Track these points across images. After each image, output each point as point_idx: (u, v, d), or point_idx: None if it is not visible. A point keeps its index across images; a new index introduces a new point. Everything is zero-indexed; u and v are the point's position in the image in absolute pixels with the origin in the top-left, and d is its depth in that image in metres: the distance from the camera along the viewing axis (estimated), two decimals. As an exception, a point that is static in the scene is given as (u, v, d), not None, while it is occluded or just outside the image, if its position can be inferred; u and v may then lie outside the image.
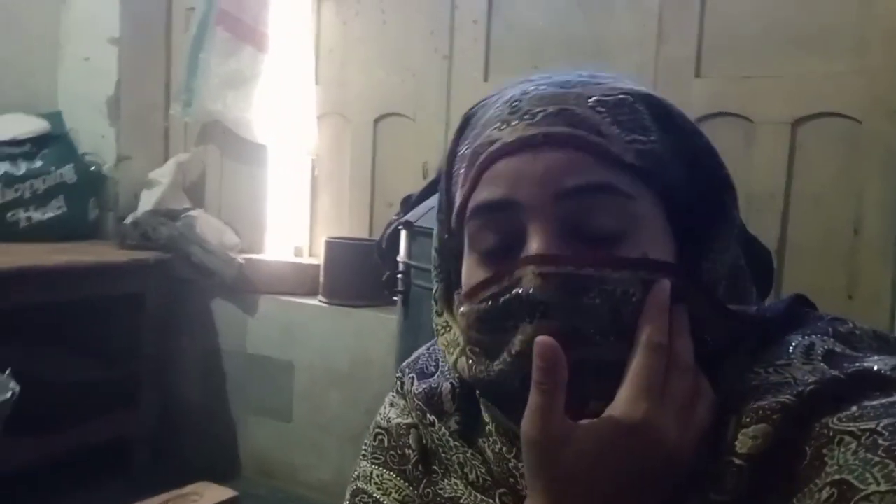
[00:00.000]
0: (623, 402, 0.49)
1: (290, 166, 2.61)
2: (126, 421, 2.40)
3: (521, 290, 0.50)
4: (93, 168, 2.64)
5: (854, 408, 0.46)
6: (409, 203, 1.68)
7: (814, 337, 0.52)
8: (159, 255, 2.40)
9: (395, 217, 1.66)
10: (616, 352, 0.50)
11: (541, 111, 0.53)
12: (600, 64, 0.59)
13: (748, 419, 0.48)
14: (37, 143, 2.49)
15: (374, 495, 0.65)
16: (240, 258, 2.45)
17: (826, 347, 0.51)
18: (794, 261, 1.81)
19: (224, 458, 2.48)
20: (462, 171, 0.57)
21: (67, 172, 2.52)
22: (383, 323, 2.09)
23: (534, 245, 0.51)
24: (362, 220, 2.46)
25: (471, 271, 0.56)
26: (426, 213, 1.54)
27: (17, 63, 2.66)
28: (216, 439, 2.52)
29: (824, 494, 0.44)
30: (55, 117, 2.62)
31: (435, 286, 0.62)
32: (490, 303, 0.52)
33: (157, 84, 2.80)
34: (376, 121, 2.42)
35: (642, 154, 0.53)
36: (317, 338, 2.32)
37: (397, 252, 1.64)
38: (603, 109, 0.53)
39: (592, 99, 0.53)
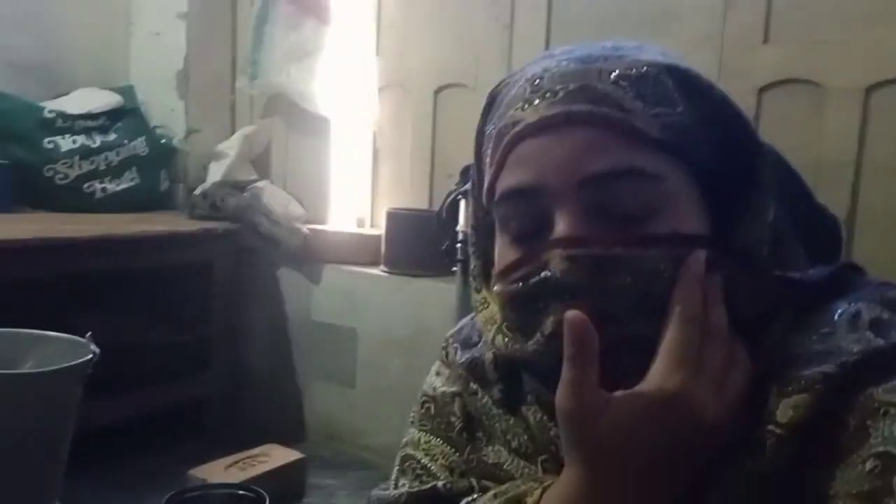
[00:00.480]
0: (657, 375, 0.49)
1: (353, 138, 2.64)
2: (198, 384, 2.48)
3: (549, 274, 0.51)
4: (163, 141, 2.71)
5: None
6: (468, 173, 1.69)
7: (860, 304, 0.51)
8: (227, 225, 2.46)
9: (454, 187, 1.67)
10: (650, 328, 0.50)
11: (562, 88, 0.52)
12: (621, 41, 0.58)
13: (790, 388, 0.48)
14: (111, 117, 2.57)
15: (422, 461, 0.66)
16: (304, 228, 2.51)
17: (873, 315, 0.50)
18: (864, 232, 1.75)
19: (291, 422, 2.56)
20: (489, 151, 0.57)
21: (140, 145, 2.60)
22: (442, 292, 2.12)
23: (560, 227, 0.52)
24: (422, 190, 2.48)
25: (502, 252, 0.57)
26: (485, 184, 1.55)
27: (92, 39, 2.75)
28: (283, 403, 2.60)
29: (868, 466, 0.44)
30: (128, 91, 2.70)
31: (473, 263, 0.63)
32: (521, 284, 0.53)
33: (224, 58, 2.86)
34: (436, 92, 2.43)
35: (668, 127, 0.52)
36: (379, 306, 2.37)
37: (456, 222, 1.66)
38: (626, 84, 0.52)
39: (615, 73, 0.53)
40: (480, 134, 0.60)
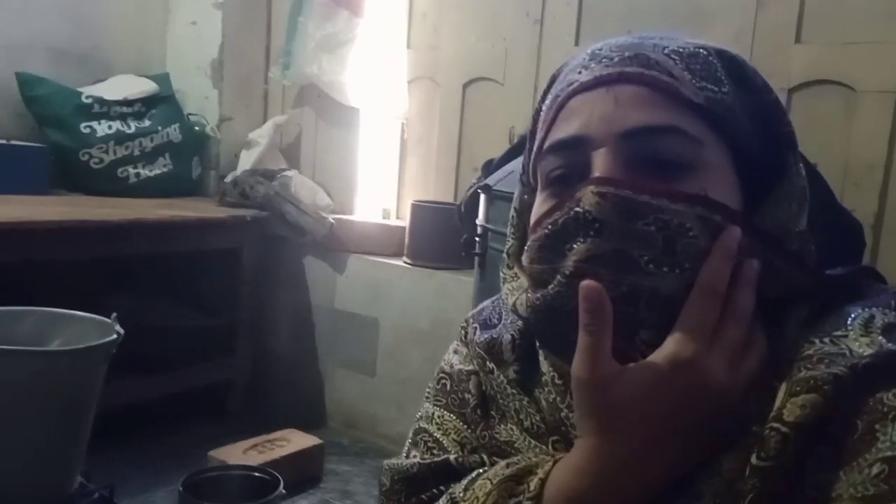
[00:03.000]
0: (672, 342, 0.50)
1: (381, 130, 2.66)
2: (223, 368, 2.52)
3: (578, 209, 0.52)
4: (197, 128, 2.76)
5: None
6: (490, 167, 1.70)
7: (874, 309, 0.51)
8: (256, 212, 2.49)
9: (475, 181, 1.68)
10: (667, 284, 0.51)
11: (617, 55, 0.55)
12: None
13: (798, 388, 0.47)
14: (146, 104, 2.62)
15: (435, 434, 0.68)
16: (331, 218, 2.53)
17: (887, 320, 0.50)
18: (891, 237, 1.72)
19: (311, 408, 2.60)
20: (543, 118, 0.59)
21: (173, 132, 2.65)
22: (462, 285, 2.13)
23: (596, 171, 0.53)
24: (448, 183, 2.49)
25: (539, 207, 0.58)
26: (505, 178, 1.56)
27: (130, 27, 2.80)
28: (305, 389, 2.63)
29: (874, 470, 0.43)
30: (163, 79, 2.74)
31: (509, 243, 0.64)
32: (550, 227, 0.54)
33: (259, 48, 2.89)
34: (465, 85, 2.44)
35: (713, 101, 0.54)
36: (401, 297, 2.39)
37: (476, 215, 1.66)
38: (677, 58, 0.55)
39: (668, 49, 0.55)
40: (537, 113, 0.61)
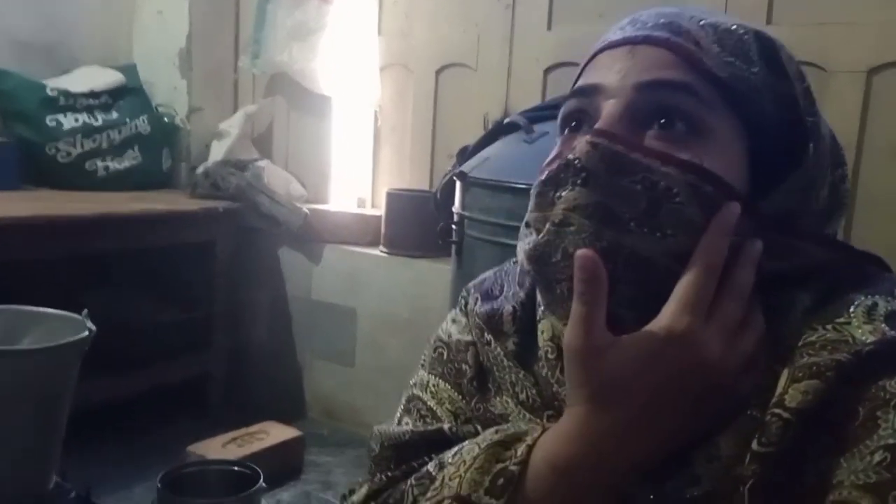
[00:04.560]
0: (666, 315, 0.50)
1: (354, 118, 2.64)
2: (199, 362, 2.50)
3: (570, 156, 0.52)
4: (166, 119, 2.72)
5: None
6: (465, 154, 1.69)
7: (877, 297, 0.51)
8: (229, 204, 2.46)
9: (450, 168, 1.67)
10: (647, 246, 0.51)
11: (652, 21, 0.57)
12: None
13: (801, 374, 0.48)
14: (113, 95, 2.57)
15: (428, 403, 0.67)
16: (305, 208, 2.51)
17: (890, 308, 0.50)
18: (864, 215, 1.74)
19: (290, 400, 2.58)
20: (576, 74, 0.61)
21: (142, 124, 2.60)
22: (440, 273, 2.13)
23: (600, 122, 0.54)
24: (423, 171, 2.48)
25: (549, 154, 0.59)
26: (480, 164, 1.55)
27: (95, 17, 2.74)
28: (283, 381, 2.62)
29: (876, 458, 0.44)
30: (130, 70, 2.69)
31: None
32: (546, 173, 0.55)
33: (227, 37, 2.85)
34: (438, 72, 2.42)
35: (737, 77, 0.54)
36: (378, 286, 2.38)
37: (452, 203, 1.65)
38: (711, 30, 0.55)
39: (704, 21, 0.56)
40: (576, 81, 0.62)
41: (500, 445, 0.55)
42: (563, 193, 0.52)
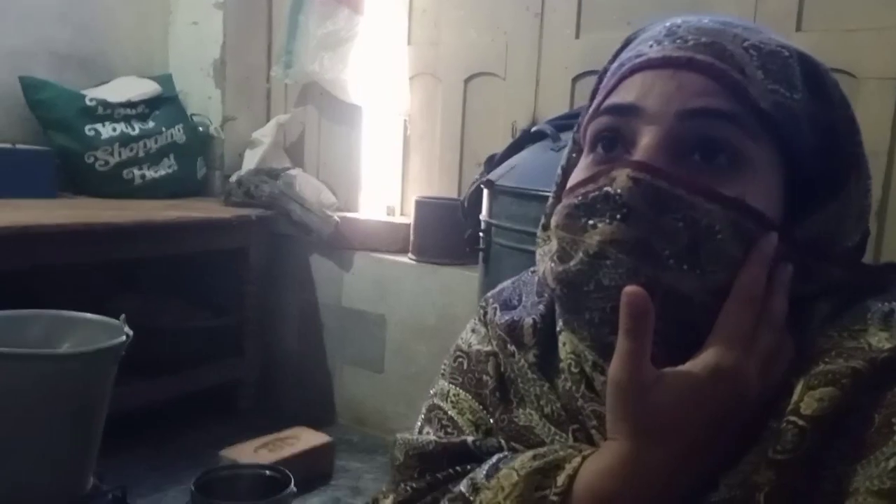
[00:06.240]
0: (714, 350, 0.49)
1: (384, 126, 2.67)
2: (232, 368, 2.53)
3: (610, 189, 0.51)
4: (200, 128, 2.77)
5: None
6: (492, 162, 1.70)
7: (894, 304, 0.51)
8: (262, 212, 2.49)
9: (478, 176, 1.68)
10: (686, 283, 0.50)
11: (693, 39, 0.54)
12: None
13: (816, 381, 0.47)
14: (149, 105, 2.63)
15: (449, 413, 0.67)
16: (336, 216, 2.54)
17: None
18: (895, 225, 1.72)
19: (320, 406, 2.61)
20: (606, 81, 0.59)
21: (177, 133, 2.66)
22: (468, 280, 2.14)
23: (639, 152, 0.53)
24: (452, 179, 2.50)
25: (578, 172, 0.58)
26: (508, 172, 1.56)
27: (131, 29, 2.81)
28: (313, 387, 2.64)
29: (892, 464, 0.43)
30: (166, 80, 2.75)
31: (550, 201, 0.64)
32: (580, 198, 0.54)
33: (260, 47, 2.90)
34: (466, 80, 2.44)
35: (779, 106, 0.53)
36: (407, 293, 2.39)
37: (480, 210, 1.67)
38: (755, 53, 0.54)
39: (748, 42, 0.54)
40: (604, 72, 0.61)
41: (539, 473, 0.54)
42: (600, 225, 0.51)
